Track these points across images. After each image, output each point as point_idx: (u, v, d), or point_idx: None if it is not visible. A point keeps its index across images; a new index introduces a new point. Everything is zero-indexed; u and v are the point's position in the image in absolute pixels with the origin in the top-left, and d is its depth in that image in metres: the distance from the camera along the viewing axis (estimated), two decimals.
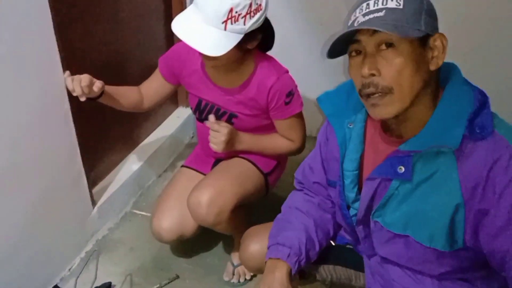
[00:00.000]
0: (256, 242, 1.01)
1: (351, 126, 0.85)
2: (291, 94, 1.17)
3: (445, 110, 0.72)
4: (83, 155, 1.28)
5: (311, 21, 1.82)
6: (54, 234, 1.24)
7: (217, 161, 1.36)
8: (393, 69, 0.69)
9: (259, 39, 1.10)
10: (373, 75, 0.70)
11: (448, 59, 0.76)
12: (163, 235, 1.26)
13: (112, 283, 1.30)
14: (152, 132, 1.82)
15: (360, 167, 0.85)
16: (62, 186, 1.23)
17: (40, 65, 1.05)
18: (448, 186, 0.70)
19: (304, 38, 1.85)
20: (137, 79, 1.36)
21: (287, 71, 1.19)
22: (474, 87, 0.74)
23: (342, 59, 0.82)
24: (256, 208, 1.39)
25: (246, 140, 1.24)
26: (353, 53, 0.74)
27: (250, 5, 0.99)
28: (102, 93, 1.13)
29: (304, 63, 1.82)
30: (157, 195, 1.59)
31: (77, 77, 1.07)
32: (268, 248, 0.93)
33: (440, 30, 0.73)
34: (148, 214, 1.56)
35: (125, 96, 1.25)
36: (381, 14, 0.68)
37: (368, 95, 0.72)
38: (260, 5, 1.02)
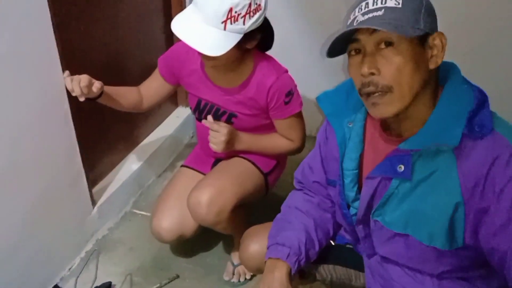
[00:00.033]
0: (255, 242, 1.01)
1: (350, 126, 0.85)
2: (291, 93, 1.17)
3: (444, 108, 0.72)
4: (83, 155, 1.28)
5: (311, 21, 1.82)
6: (54, 234, 1.24)
7: (217, 161, 1.36)
8: (393, 68, 0.69)
9: (258, 39, 1.10)
10: (372, 74, 0.70)
11: (448, 59, 0.76)
12: (163, 235, 1.26)
13: (112, 283, 1.31)
14: (152, 132, 1.83)
15: (359, 166, 0.85)
16: (62, 186, 1.23)
17: (40, 65, 1.05)
18: (447, 185, 0.70)
19: (304, 38, 1.85)
20: (137, 79, 1.36)
21: (286, 71, 1.19)
22: (474, 86, 0.74)
23: (342, 59, 0.82)
24: (256, 207, 1.39)
25: (246, 140, 1.24)
26: (353, 52, 0.74)
27: (250, 5, 0.99)
28: (101, 93, 1.13)
29: (304, 63, 1.82)
30: (157, 195, 1.58)
31: (76, 77, 1.07)
32: (268, 248, 0.93)
33: (440, 29, 0.73)
34: (148, 214, 1.56)
35: (125, 96, 1.25)
36: (380, 13, 0.68)
37: (368, 94, 0.72)
38: (260, 5, 1.02)
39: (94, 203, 1.42)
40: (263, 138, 1.27)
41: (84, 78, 1.06)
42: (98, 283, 1.30)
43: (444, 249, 0.74)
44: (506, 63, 1.68)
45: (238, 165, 1.28)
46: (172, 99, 1.97)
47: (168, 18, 1.71)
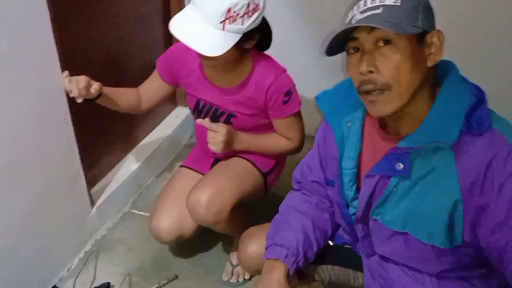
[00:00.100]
0: (254, 243, 1.01)
1: (349, 125, 0.85)
2: (289, 93, 1.17)
3: (442, 106, 0.73)
4: (82, 155, 1.28)
5: (311, 21, 1.82)
6: (52, 234, 1.23)
7: (216, 161, 1.36)
8: (391, 66, 0.69)
9: (257, 39, 1.10)
10: (371, 72, 0.70)
11: (448, 58, 0.76)
12: (162, 235, 1.26)
13: (111, 283, 1.30)
14: (150, 132, 1.82)
15: (358, 165, 0.85)
16: (61, 186, 1.23)
17: (39, 65, 1.05)
18: (446, 182, 0.71)
19: (304, 38, 1.85)
20: (136, 80, 1.36)
21: (285, 70, 1.19)
22: (471, 84, 0.74)
23: (341, 60, 0.82)
24: (255, 207, 1.39)
25: (245, 140, 1.24)
26: (351, 51, 0.74)
27: (248, 5, 0.99)
28: (99, 94, 1.13)
29: (303, 62, 1.82)
30: (156, 195, 1.58)
31: (74, 78, 1.07)
32: (266, 248, 0.93)
33: (440, 29, 0.73)
34: (147, 214, 1.56)
35: (123, 97, 1.25)
36: (378, 11, 0.69)
37: (367, 92, 0.72)
38: (258, 5, 1.02)
39: (93, 203, 1.41)
40: (262, 138, 1.26)
41: (82, 80, 1.06)
42: (97, 284, 1.30)
43: (444, 247, 0.74)
44: (506, 63, 1.68)
45: (237, 165, 1.28)
46: (171, 99, 1.97)
47: (167, 18, 1.69)
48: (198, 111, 1.27)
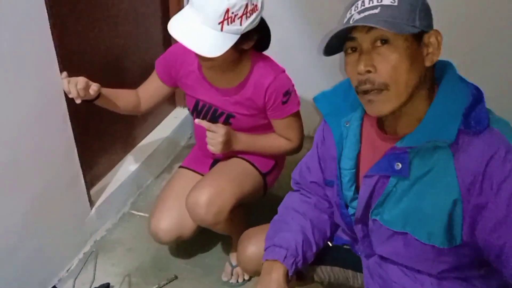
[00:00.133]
0: (253, 244, 1.01)
1: (347, 125, 0.85)
2: (288, 93, 1.16)
3: (440, 106, 0.73)
4: (81, 156, 1.28)
5: (311, 21, 1.81)
6: (52, 235, 1.23)
7: (215, 161, 1.36)
8: (389, 65, 0.69)
9: (255, 40, 1.10)
10: (369, 71, 0.70)
11: (448, 58, 0.77)
12: (161, 236, 1.26)
13: (111, 284, 1.30)
14: (150, 132, 1.82)
15: (357, 166, 0.85)
16: (60, 186, 1.22)
17: (38, 65, 1.05)
18: (445, 181, 0.71)
19: (303, 38, 1.84)
20: (135, 81, 1.36)
21: (283, 71, 1.18)
22: (469, 84, 0.75)
23: (339, 60, 0.82)
24: (254, 208, 1.39)
25: (244, 140, 1.24)
26: (349, 51, 0.74)
27: (246, 6, 0.99)
28: (98, 95, 1.13)
29: (303, 63, 1.82)
30: (155, 196, 1.58)
31: (73, 79, 1.07)
32: (265, 250, 0.93)
33: (440, 29, 0.73)
34: (146, 215, 1.56)
35: (122, 99, 1.25)
36: (376, 11, 0.69)
37: (365, 92, 0.73)
38: (256, 5, 1.02)
39: (92, 204, 1.41)
40: (261, 138, 1.26)
41: (81, 80, 1.06)
42: (96, 284, 1.30)
43: (443, 247, 0.74)
44: (506, 63, 1.68)
45: (237, 165, 1.28)
46: (170, 100, 1.97)
47: (166, 19, 1.69)
48: (197, 112, 1.27)
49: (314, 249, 0.93)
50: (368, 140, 0.84)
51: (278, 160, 1.35)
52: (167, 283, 1.32)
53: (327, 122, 0.89)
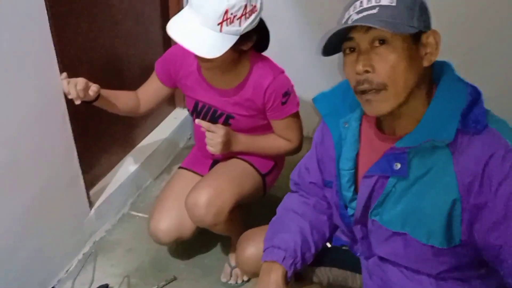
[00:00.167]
0: (252, 246, 1.00)
1: (346, 126, 0.86)
2: (288, 94, 1.16)
3: (439, 106, 0.73)
4: (80, 156, 1.28)
5: (311, 22, 1.81)
6: (51, 236, 1.23)
7: (215, 162, 1.35)
8: (387, 65, 0.69)
9: (254, 40, 1.10)
10: (367, 71, 0.71)
11: (448, 58, 0.77)
12: (160, 236, 1.25)
13: (110, 285, 1.30)
14: (149, 133, 1.82)
15: (356, 166, 0.85)
16: (59, 187, 1.22)
17: (37, 66, 1.05)
18: (444, 181, 0.71)
19: (303, 38, 1.84)
20: (135, 82, 1.36)
21: (283, 71, 1.18)
22: (467, 84, 0.75)
23: (339, 61, 0.82)
24: (254, 209, 1.39)
25: (243, 141, 1.24)
26: (347, 51, 0.75)
27: (245, 7, 0.99)
28: (98, 96, 1.13)
29: (303, 63, 1.82)
30: (154, 197, 1.58)
31: (73, 80, 1.07)
32: (264, 251, 0.93)
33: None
34: (146, 216, 1.56)
35: (122, 100, 1.25)
36: (374, 11, 0.69)
37: (363, 92, 0.73)
38: (255, 6, 1.02)
39: (91, 204, 1.41)
40: (260, 139, 1.26)
41: (80, 81, 1.06)
42: (95, 285, 1.30)
43: (442, 247, 0.74)
44: (506, 63, 1.67)
45: (236, 166, 1.28)
46: (170, 101, 1.97)
47: (166, 20, 1.69)
48: (197, 112, 1.27)
49: (313, 250, 0.93)
50: (367, 141, 0.84)
51: (278, 161, 1.35)
52: (166, 284, 1.32)
53: (326, 123, 0.89)
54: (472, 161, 0.68)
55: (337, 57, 0.79)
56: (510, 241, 0.67)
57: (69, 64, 1.15)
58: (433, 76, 0.76)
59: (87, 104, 1.13)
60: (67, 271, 1.34)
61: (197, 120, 1.19)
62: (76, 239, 1.38)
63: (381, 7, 0.69)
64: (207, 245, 1.47)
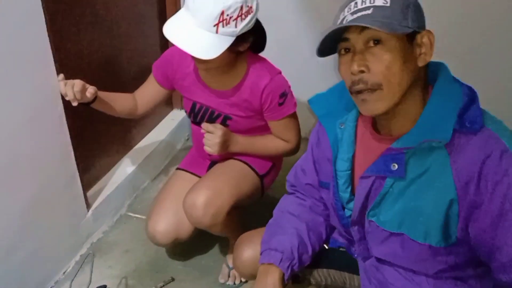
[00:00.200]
0: (249, 248, 1.00)
1: (342, 127, 0.86)
2: (285, 95, 1.16)
3: (435, 106, 0.73)
4: (77, 157, 1.28)
5: (309, 23, 1.81)
6: (48, 237, 1.23)
7: (212, 163, 1.35)
8: (382, 65, 0.70)
9: (251, 41, 1.10)
10: (362, 71, 0.71)
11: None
12: (158, 238, 1.25)
13: (107, 286, 1.30)
14: (146, 134, 1.82)
15: (352, 167, 0.85)
16: (56, 188, 1.22)
17: (34, 67, 1.05)
18: (441, 181, 0.71)
19: (301, 39, 1.84)
20: (132, 83, 1.36)
21: (279, 72, 1.18)
22: (463, 84, 0.75)
23: (335, 62, 0.82)
24: (251, 209, 1.38)
25: (241, 142, 1.23)
26: (342, 51, 0.75)
27: (241, 8, 0.99)
28: (95, 98, 1.13)
29: (301, 64, 1.81)
30: (152, 198, 1.58)
31: (70, 81, 1.07)
32: (261, 253, 0.93)
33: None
34: (143, 217, 1.55)
35: (119, 102, 1.25)
36: (369, 12, 0.69)
37: (358, 92, 0.73)
38: (251, 7, 1.02)
39: (88, 206, 1.41)
40: (258, 140, 1.26)
41: (77, 83, 1.06)
42: (93, 287, 1.29)
43: (439, 246, 0.74)
44: (505, 63, 1.67)
45: (234, 167, 1.28)
46: (167, 102, 1.97)
47: (163, 22, 1.69)
48: (194, 114, 1.27)
49: (310, 252, 0.93)
50: (363, 141, 0.84)
51: (276, 162, 1.35)
52: (164, 285, 1.32)
53: (322, 124, 0.89)
54: (469, 161, 0.68)
55: (333, 58, 0.79)
56: (503, 239, 0.68)
57: (66, 65, 1.15)
58: (428, 77, 0.76)
59: (84, 106, 1.13)
60: (64, 272, 1.33)
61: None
62: (73, 240, 1.37)
63: (376, 7, 0.69)
64: (205, 246, 1.46)
